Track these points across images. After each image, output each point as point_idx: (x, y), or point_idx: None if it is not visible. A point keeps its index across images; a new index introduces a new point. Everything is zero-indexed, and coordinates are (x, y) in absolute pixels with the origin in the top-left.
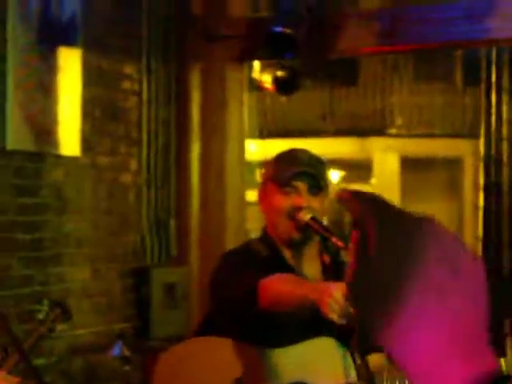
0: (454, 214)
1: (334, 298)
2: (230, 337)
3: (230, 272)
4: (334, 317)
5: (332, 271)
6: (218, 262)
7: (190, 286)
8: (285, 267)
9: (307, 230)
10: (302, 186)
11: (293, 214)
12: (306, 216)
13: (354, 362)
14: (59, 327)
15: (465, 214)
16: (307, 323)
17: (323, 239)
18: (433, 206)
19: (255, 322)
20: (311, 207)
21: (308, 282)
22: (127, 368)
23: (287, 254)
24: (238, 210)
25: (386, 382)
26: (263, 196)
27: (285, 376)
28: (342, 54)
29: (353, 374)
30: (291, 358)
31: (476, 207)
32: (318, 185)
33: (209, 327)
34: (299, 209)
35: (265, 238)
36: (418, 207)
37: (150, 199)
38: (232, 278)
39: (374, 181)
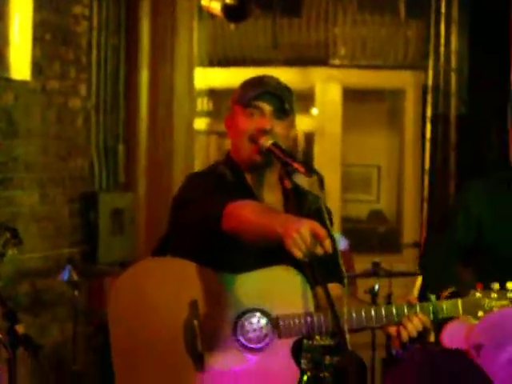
0: (395, 146)
1: (301, 235)
2: (188, 258)
3: (194, 193)
4: (297, 253)
5: (293, 197)
6: (183, 183)
7: (138, 211)
8: (248, 192)
9: (269, 155)
10: (266, 107)
11: (255, 137)
12: (267, 141)
13: (313, 290)
14: (9, 252)
15: (406, 146)
16: (268, 252)
17: (284, 165)
18: (375, 137)
19: (215, 244)
20: (275, 131)
21: (277, 214)
22: (75, 293)
23: (249, 178)
24: (186, 137)
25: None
26: (229, 120)
27: (242, 301)
28: None
29: (311, 303)
30: (249, 285)
31: (419, 139)
32: (282, 108)
33: (166, 248)
34: (262, 132)
35: (229, 161)
36: (359, 138)
37: (99, 125)
38: (196, 198)
39: (315, 111)
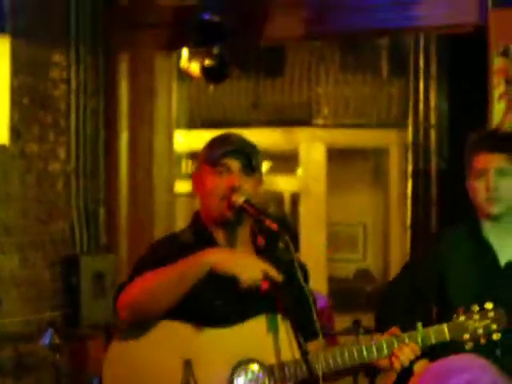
0: (380, 204)
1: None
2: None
3: (144, 264)
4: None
5: (266, 253)
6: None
7: (119, 274)
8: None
9: (241, 212)
10: (234, 164)
11: (226, 195)
12: (239, 198)
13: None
14: None
15: (391, 203)
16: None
17: (257, 222)
18: (360, 196)
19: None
20: (244, 188)
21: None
22: (57, 356)
23: (220, 236)
24: (167, 199)
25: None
26: (197, 179)
27: (234, 355)
28: (271, 41)
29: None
30: (238, 337)
31: (404, 195)
32: (250, 164)
33: None
34: (233, 190)
35: (195, 223)
36: (344, 197)
37: (79, 188)
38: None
39: (300, 171)
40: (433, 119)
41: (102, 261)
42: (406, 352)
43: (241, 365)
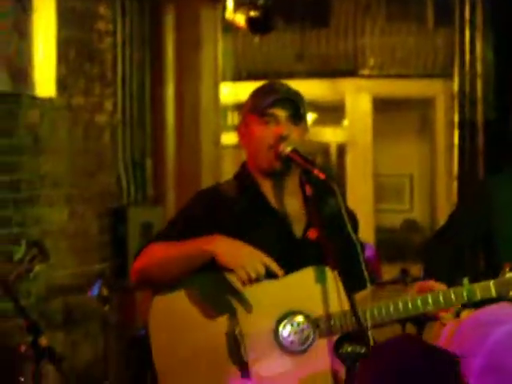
0: (426, 154)
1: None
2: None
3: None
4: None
5: (314, 203)
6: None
7: None
8: (260, 201)
9: (288, 162)
10: (281, 113)
11: (274, 145)
12: (286, 148)
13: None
14: (37, 267)
15: (438, 153)
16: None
17: (305, 172)
18: (406, 146)
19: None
20: (291, 137)
21: (193, 240)
22: (106, 308)
23: (267, 186)
24: (213, 151)
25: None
26: (243, 130)
27: (280, 306)
28: None
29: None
30: (284, 289)
31: (450, 145)
32: (297, 113)
33: None
34: (280, 139)
35: (242, 174)
36: (390, 148)
37: (126, 140)
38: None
39: (346, 122)
40: (479, 69)
41: (150, 212)
42: (452, 310)
43: (287, 316)
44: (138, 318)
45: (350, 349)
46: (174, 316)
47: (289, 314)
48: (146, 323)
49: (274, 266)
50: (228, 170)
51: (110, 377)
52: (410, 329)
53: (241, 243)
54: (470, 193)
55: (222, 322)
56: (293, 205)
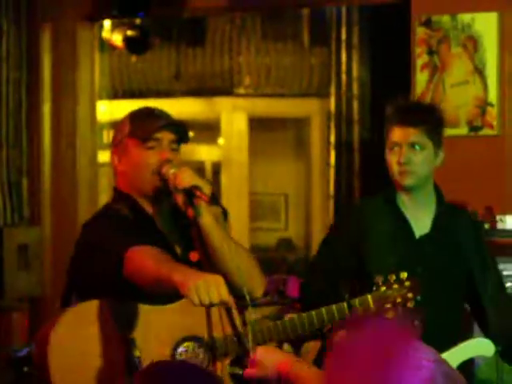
0: (302, 173)
1: (198, 285)
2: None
3: (94, 240)
4: (195, 300)
5: (195, 227)
6: (81, 233)
7: (43, 246)
8: (150, 224)
9: (166, 185)
10: (166, 138)
11: (158, 169)
12: (170, 170)
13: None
14: None
15: (313, 173)
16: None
17: (188, 194)
18: (282, 165)
19: (125, 291)
20: (174, 160)
21: (176, 264)
22: None
23: (148, 207)
24: (90, 170)
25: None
26: (121, 155)
27: (175, 332)
28: (193, 12)
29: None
30: (177, 314)
31: (326, 165)
32: (183, 137)
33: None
34: (165, 162)
35: (122, 197)
36: (266, 167)
37: (2, 159)
38: (98, 245)
39: (221, 141)
40: (355, 89)
41: (26, 233)
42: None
43: (183, 341)
44: (14, 337)
45: (230, 370)
46: (74, 351)
47: (185, 340)
48: (43, 345)
49: (226, 296)
50: (104, 188)
51: None
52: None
53: (197, 273)
54: (341, 220)
55: (122, 350)
56: (170, 225)
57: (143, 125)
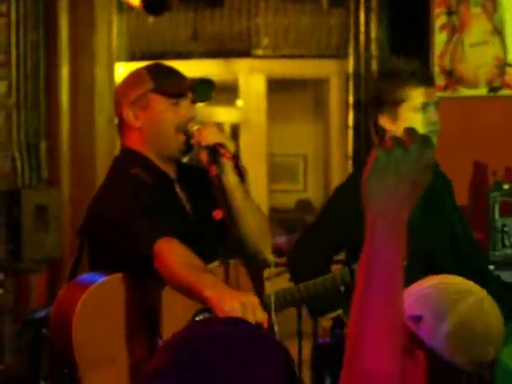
0: (320, 134)
1: (233, 307)
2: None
3: (116, 214)
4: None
5: (218, 185)
6: (98, 195)
7: (62, 207)
8: (171, 192)
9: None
10: (190, 95)
11: (184, 125)
12: (194, 127)
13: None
14: None
15: (331, 133)
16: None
17: (212, 151)
18: (300, 127)
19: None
20: (196, 117)
21: (207, 274)
22: (1, 291)
23: (171, 172)
24: (108, 132)
25: None
26: (140, 111)
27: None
28: None
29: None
30: None
31: (345, 126)
32: (205, 97)
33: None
34: (189, 120)
35: (139, 159)
36: (285, 128)
37: (20, 121)
38: (120, 222)
39: (240, 103)
40: (373, 50)
41: (44, 194)
42: None
43: (200, 313)
44: (33, 300)
45: None
46: (103, 310)
47: (203, 311)
48: (67, 309)
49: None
50: None
51: (4, 360)
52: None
53: (228, 289)
54: (345, 188)
55: (142, 322)
56: (191, 185)
57: (172, 81)
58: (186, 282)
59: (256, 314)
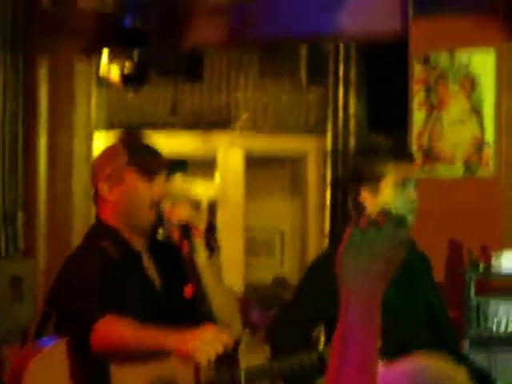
0: (298, 210)
1: (204, 343)
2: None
3: (76, 287)
4: (202, 361)
5: (189, 262)
6: (63, 266)
7: (37, 279)
8: (137, 265)
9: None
10: (164, 171)
11: (156, 203)
12: (167, 204)
13: None
14: None
15: (309, 210)
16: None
17: (183, 228)
18: (277, 203)
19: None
20: (169, 194)
21: (165, 329)
22: None
23: (137, 245)
24: (85, 203)
25: None
26: (114, 184)
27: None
28: (191, 47)
29: None
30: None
31: (322, 203)
32: (183, 172)
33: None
34: (163, 197)
35: (110, 232)
36: (262, 205)
37: None
38: (74, 298)
39: (217, 177)
40: (352, 127)
41: (20, 265)
42: None
43: None
44: (6, 372)
45: None
46: (50, 375)
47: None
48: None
49: (228, 339)
50: None
51: None
52: None
53: (189, 333)
54: (320, 264)
55: None
56: (161, 260)
57: (146, 158)
58: (143, 342)
59: (217, 347)
